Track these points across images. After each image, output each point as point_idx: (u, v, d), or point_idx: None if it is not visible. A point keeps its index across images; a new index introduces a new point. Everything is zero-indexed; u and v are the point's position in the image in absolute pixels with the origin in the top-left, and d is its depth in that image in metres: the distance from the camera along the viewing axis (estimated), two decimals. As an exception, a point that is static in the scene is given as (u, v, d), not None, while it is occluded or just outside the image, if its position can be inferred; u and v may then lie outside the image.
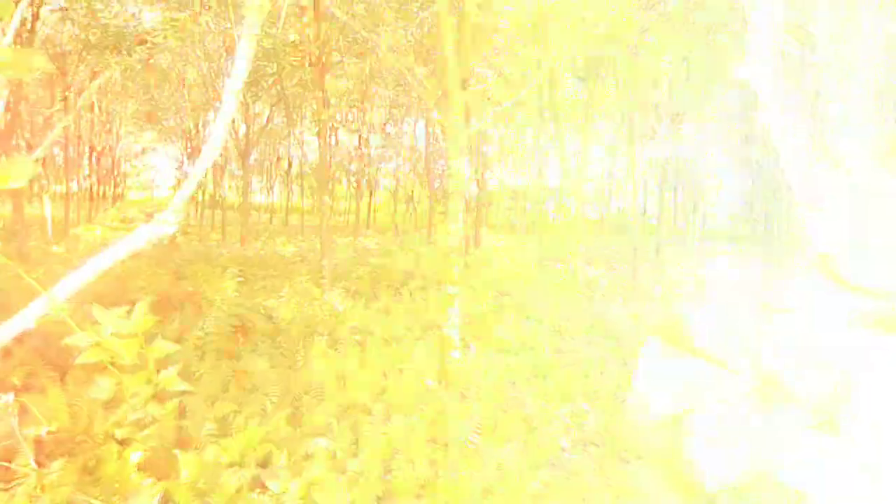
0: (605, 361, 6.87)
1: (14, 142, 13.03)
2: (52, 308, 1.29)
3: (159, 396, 1.32)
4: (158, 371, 1.42)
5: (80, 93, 15.89)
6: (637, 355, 7.22)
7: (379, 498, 3.79)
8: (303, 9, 10.74)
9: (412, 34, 12.58)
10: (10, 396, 2.76)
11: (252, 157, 17.21)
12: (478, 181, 19.08)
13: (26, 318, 1.30)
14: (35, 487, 2.52)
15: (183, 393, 4.40)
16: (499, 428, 4.95)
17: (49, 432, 3.19)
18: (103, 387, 1.35)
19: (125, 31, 8.21)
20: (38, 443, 3.30)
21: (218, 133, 1.20)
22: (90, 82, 16.49)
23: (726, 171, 29.36)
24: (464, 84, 6.06)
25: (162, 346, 1.43)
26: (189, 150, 23.78)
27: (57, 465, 3.12)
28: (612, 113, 19.74)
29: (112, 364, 1.49)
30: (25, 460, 2.94)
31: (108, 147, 24.33)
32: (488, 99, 16.14)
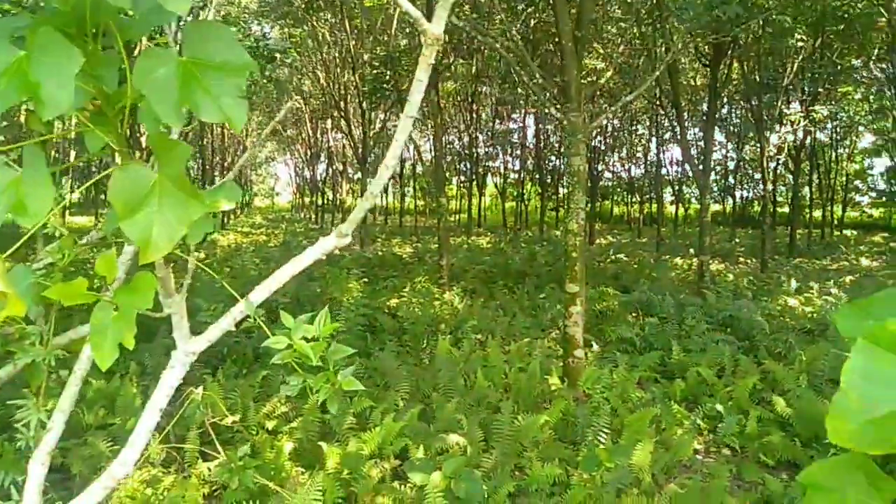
0: (736, 361, 6.54)
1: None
2: (250, 312, 1.44)
3: (339, 394, 1.47)
4: (336, 372, 1.56)
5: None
6: (769, 354, 6.81)
7: (511, 493, 3.85)
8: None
9: (520, 31, 12.58)
10: (200, 389, 3.11)
11: (368, 161, 17.91)
12: (591, 175, 18.72)
13: (228, 321, 1.46)
14: (226, 470, 2.82)
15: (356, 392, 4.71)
16: (627, 429, 4.86)
17: (234, 422, 3.54)
18: (292, 385, 1.51)
19: (256, 50, 8.86)
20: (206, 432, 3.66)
21: (393, 155, 1.30)
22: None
23: (872, 153, 26.81)
24: (579, 79, 5.99)
25: (341, 350, 1.57)
26: (308, 158, 25.18)
27: (243, 450, 3.45)
28: (737, 98, 18.65)
29: (298, 364, 1.64)
30: (211, 446, 3.28)
31: (236, 158, 26.25)
32: (606, 92, 15.80)
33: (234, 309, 1.63)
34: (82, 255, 2.26)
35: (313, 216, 28.56)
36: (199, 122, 14.98)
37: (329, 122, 18.69)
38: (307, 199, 29.99)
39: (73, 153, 16.37)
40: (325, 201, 24.96)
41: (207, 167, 20.86)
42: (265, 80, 13.12)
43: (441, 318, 7.79)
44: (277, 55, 12.00)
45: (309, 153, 23.91)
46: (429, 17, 1.30)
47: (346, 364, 1.98)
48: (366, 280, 9.61)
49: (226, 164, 21.63)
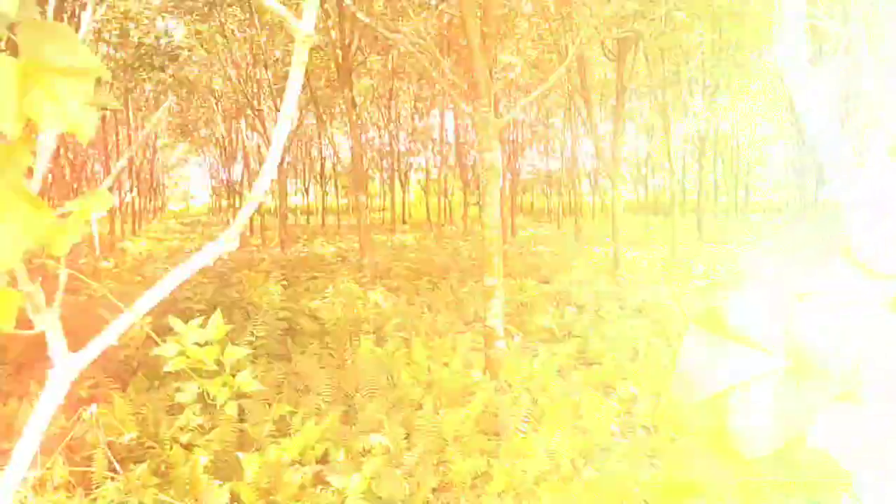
0: (650, 345, 6.83)
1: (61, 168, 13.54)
2: (135, 323, 1.37)
3: (236, 397, 1.43)
4: (233, 375, 1.53)
5: (115, 113, 16.37)
6: (680, 337, 7.16)
7: (435, 489, 3.87)
8: (326, 12, 10.87)
9: (433, 27, 12.61)
10: (94, 408, 2.93)
11: (286, 161, 17.51)
12: (510, 169, 19.03)
13: (111, 334, 1.39)
14: (121, 491, 2.67)
15: (255, 393, 4.58)
16: (547, 416, 4.98)
17: (131, 439, 3.36)
18: (188, 391, 1.46)
19: (157, 48, 8.45)
20: (112, 450, 3.47)
21: (273, 157, 1.27)
22: (122, 99, 16.98)
23: (770, 140, 28.58)
24: (491, 74, 6.07)
25: (236, 352, 1.54)
26: (223, 159, 24.35)
27: (140, 469, 3.28)
28: (644, 91, 19.44)
29: (192, 370, 1.60)
30: (109, 466, 3.11)
31: (146, 161, 25.04)
32: (517, 87, 16.07)
33: (117, 321, 1.55)
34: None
35: (231, 219, 27.66)
36: (101, 125, 14.13)
37: (243, 121, 18.13)
38: (224, 202, 29.02)
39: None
40: (242, 203, 24.22)
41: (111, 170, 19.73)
42: (170, 79, 12.58)
43: (364, 317, 7.72)
44: (183, 52, 11.52)
45: (223, 154, 23.13)
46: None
47: (244, 366, 1.93)
48: (286, 283, 9.40)
49: (134, 168, 20.58)
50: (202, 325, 1.64)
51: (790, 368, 0.57)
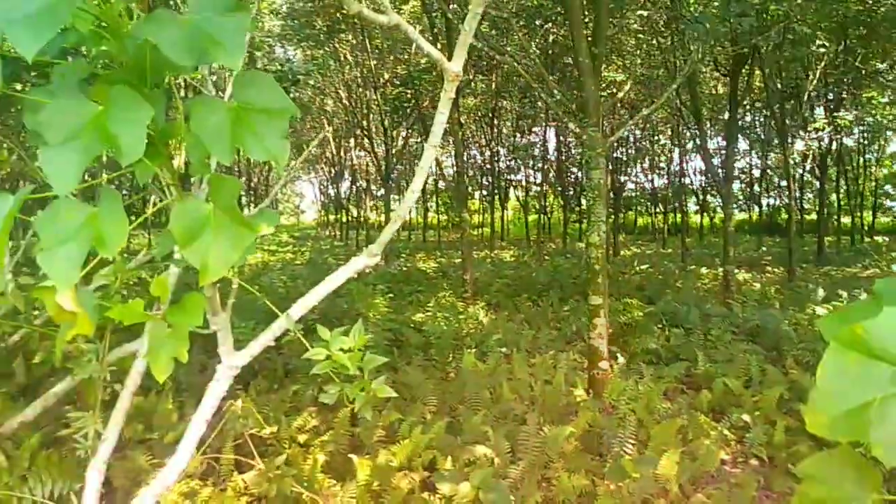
0: (764, 372, 6.50)
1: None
2: (290, 327, 1.56)
3: (373, 401, 1.56)
4: (371, 380, 1.67)
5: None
6: (797, 364, 6.76)
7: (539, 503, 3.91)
8: (435, 35, 11.25)
9: (539, 46, 12.70)
10: (240, 402, 3.24)
11: (391, 178, 18.12)
12: (614, 186, 18.68)
13: (268, 336, 1.59)
14: (263, 479, 2.94)
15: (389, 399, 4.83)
16: (654, 439, 4.88)
17: (271, 433, 3.66)
18: (331, 393, 1.62)
19: (281, 73, 9.12)
20: (243, 443, 3.79)
21: (419, 181, 1.41)
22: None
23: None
24: (598, 92, 6.07)
25: (374, 360, 1.68)
26: (332, 176, 25.58)
27: (279, 460, 3.57)
28: (759, 106, 18.52)
29: (335, 374, 1.76)
30: (252, 457, 3.41)
31: (262, 177, 26.73)
32: (623, 103, 15.83)
33: (273, 325, 1.76)
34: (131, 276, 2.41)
35: (338, 233, 28.89)
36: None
37: (352, 140, 18.98)
38: (332, 217, 30.37)
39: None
40: (350, 218, 25.31)
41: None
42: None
43: (466, 331, 7.87)
44: (301, 77, 12.28)
45: (333, 171, 24.27)
46: (450, 54, 1.42)
47: (379, 374, 2.09)
48: (391, 295, 9.74)
49: (251, 184, 22.02)
50: (346, 333, 1.80)
51: None
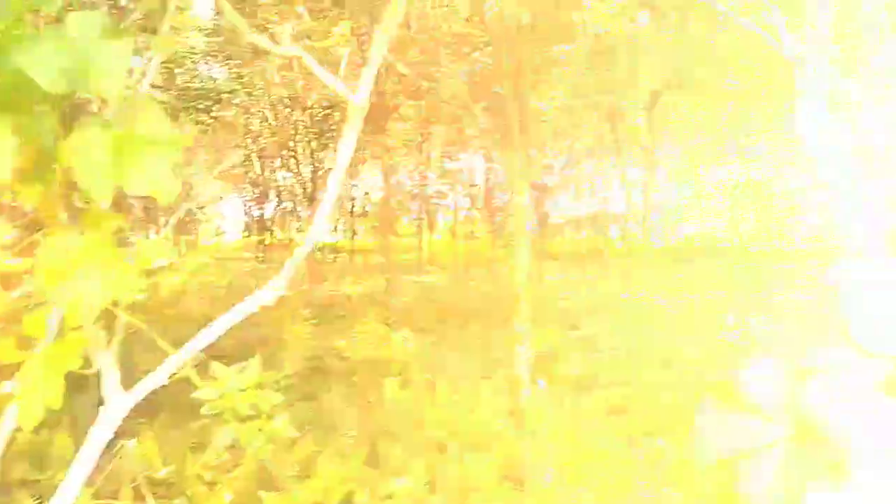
0: (679, 397, 6.72)
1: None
2: (182, 366, 1.47)
3: (273, 442, 1.48)
4: (269, 419, 1.60)
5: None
6: (713, 391, 7.05)
7: (458, 538, 3.85)
8: (363, 58, 11.25)
9: (467, 74, 12.93)
10: (132, 442, 3.03)
11: (317, 200, 17.84)
12: (539, 214, 19.10)
13: (160, 376, 1.49)
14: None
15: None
16: (573, 467, 4.93)
17: (166, 475, 3.45)
18: (224, 435, 1.52)
19: (203, 92, 8.85)
20: (139, 486, 3.55)
21: (323, 215, 1.37)
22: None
23: (805, 190, 28.16)
24: (523, 120, 6.21)
25: (271, 397, 1.61)
26: (256, 197, 24.99)
27: (177, 502, 3.36)
28: (676, 138, 19.49)
29: (227, 415, 1.67)
30: (147, 499, 3.19)
31: (182, 196, 25.74)
32: (554, 132, 16.29)
33: (165, 363, 1.65)
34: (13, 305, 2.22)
35: (261, 255, 28.14)
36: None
37: (278, 160, 18.62)
38: (255, 238, 29.61)
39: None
40: (274, 240, 24.71)
41: (150, 206, 20.34)
42: (212, 120, 13.05)
43: (390, 358, 7.76)
44: (225, 95, 11.98)
45: (257, 192, 23.72)
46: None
47: (281, 411, 2.00)
48: (314, 321, 9.51)
49: (169, 204, 21.16)
50: (240, 371, 1.72)
51: (794, 437, 0.63)
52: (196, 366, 1.78)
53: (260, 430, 1.72)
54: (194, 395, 1.63)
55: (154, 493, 4.12)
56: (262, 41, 1.28)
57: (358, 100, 1.20)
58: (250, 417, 1.70)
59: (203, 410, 1.65)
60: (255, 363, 1.71)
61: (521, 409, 5.88)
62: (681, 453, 5.33)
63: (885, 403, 0.53)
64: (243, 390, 1.68)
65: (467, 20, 9.11)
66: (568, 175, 25.13)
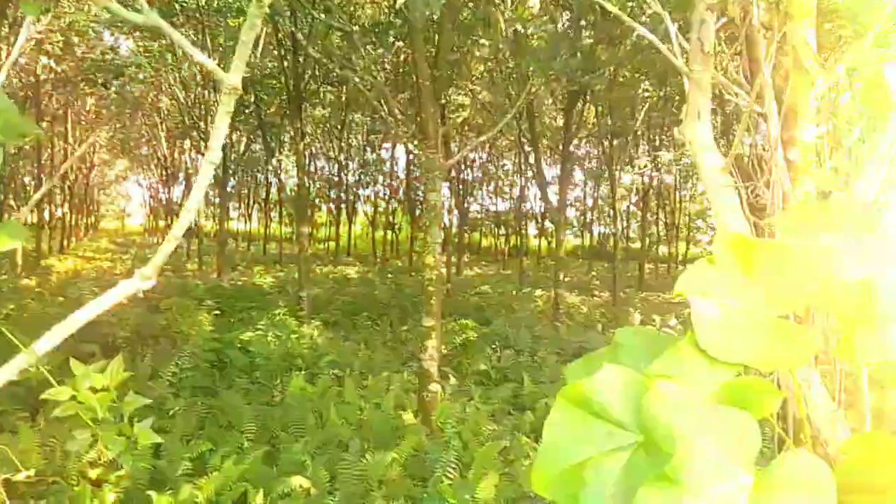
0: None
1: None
2: (34, 363, 1.28)
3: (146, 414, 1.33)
4: (131, 423, 1.44)
5: (52, 122, 15.77)
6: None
7: (356, 537, 3.75)
8: (279, 40, 10.85)
9: (387, 65, 12.74)
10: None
11: (229, 185, 17.16)
12: (459, 207, 19.17)
13: (8, 372, 1.29)
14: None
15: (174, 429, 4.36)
16: (475, 463, 4.92)
17: (28, 476, 3.11)
18: (79, 439, 1.37)
19: (102, 64, 8.22)
20: (8, 486, 3.21)
21: (195, 199, 1.23)
22: (62, 112, 16.40)
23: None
24: (441, 115, 6.15)
25: (134, 400, 1.46)
26: (164, 179, 23.79)
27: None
28: (592, 140, 20.06)
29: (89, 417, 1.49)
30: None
31: (81, 176, 24.13)
32: (469, 127, 16.35)
33: (16, 358, 1.44)
34: None
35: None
36: (36, 138, 13.56)
37: (188, 142, 17.74)
38: (161, 223, 28.15)
39: None
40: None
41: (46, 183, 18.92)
42: (114, 95, 12.22)
43: (298, 352, 7.53)
44: (129, 70, 11.23)
45: (165, 174, 22.55)
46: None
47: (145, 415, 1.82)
48: (218, 311, 9.11)
49: (68, 184, 19.78)
50: (102, 369, 1.53)
51: (641, 443, 0.58)
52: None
53: (121, 433, 1.54)
54: (44, 395, 1.43)
55: (29, 493, 3.77)
56: (121, 10, 1.12)
57: (232, 79, 1.06)
58: (110, 421, 1.52)
59: (56, 412, 1.46)
60: (117, 362, 1.52)
61: (429, 404, 5.82)
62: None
63: (715, 413, 0.49)
64: (99, 391, 1.49)
65: (389, 8, 8.96)
66: (489, 170, 25.41)
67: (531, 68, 7.23)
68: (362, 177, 23.44)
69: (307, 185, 15.05)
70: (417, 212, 21.19)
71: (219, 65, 1.27)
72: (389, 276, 17.16)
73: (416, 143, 6.06)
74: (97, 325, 7.46)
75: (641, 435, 0.56)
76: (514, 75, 10.33)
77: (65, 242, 21.68)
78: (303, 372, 6.69)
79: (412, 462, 4.89)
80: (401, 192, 24.48)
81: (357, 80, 6.03)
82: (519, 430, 5.88)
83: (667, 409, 0.52)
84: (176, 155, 21.12)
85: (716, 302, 0.56)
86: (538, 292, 16.18)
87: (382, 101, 6.69)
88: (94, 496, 3.80)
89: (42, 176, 15.20)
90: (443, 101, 9.49)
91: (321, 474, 4.29)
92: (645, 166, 17.25)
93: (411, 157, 21.13)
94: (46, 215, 18.03)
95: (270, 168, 19.59)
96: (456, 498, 4.13)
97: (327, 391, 6.19)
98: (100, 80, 10.36)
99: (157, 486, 4.12)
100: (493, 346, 8.83)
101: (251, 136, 15.90)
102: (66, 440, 1.54)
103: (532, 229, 29.98)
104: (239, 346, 7.36)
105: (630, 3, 6.82)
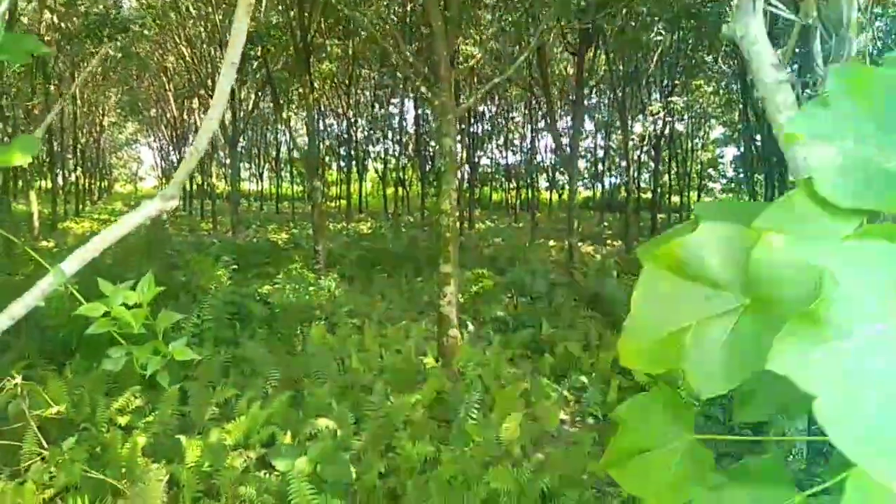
0: (601, 336, 6.91)
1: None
2: (60, 283, 1.27)
3: (169, 367, 1.33)
4: (167, 343, 1.44)
5: (59, 84, 15.66)
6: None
7: (382, 473, 3.82)
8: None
9: (396, 12, 12.45)
10: (19, 379, 2.76)
11: (240, 145, 17.04)
12: (470, 161, 19.00)
13: (35, 295, 1.28)
14: (48, 466, 2.52)
15: (192, 364, 4.41)
16: (498, 404, 4.98)
17: (58, 412, 3.20)
18: (114, 358, 1.36)
19: (106, 19, 8.08)
20: (42, 427, 3.29)
21: (217, 104, 1.19)
22: (69, 73, 16.25)
23: (723, 143, 29.22)
24: (452, 62, 6.01)
25: (169, 316, 1.44)
26: (174, 140, 23.67)
27: (68, 443, 3.12)
28: (603, 88, 19.66)
29: (121, 336, 1.48)
30: (36, 441, 2.95)
31: (92, 139, 24.09)
32: (477, 75, 16.05)
33: (41, 281, 1.43)
34: None
35: (182, 201, 26.89)
36: (45, 100, 13.43)
37: (196, 101, 17.56)
38: (175, 185, 28.09)
39: None
40: (194, 186, 23.61)
41: (58, 148, 18.94)
42: (119, 53, 12.05)
43: (316, 304, 7.58)
44: (134, 25, 11.03)
45: (174, 135, 22.42)
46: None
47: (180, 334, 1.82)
48: (236, 267, 9.16)
49: (79, 147, 19.74)
50: (132, 287, 1.51)
51: (748, 305, 0.54)
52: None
53: (156, 351, 1.53)
54: (77, 311, 1.42)
55: (61, 440, 3.86)
56: None
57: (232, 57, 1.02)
58: (146, 339, 1.50)
59: (89, 330, 1.45)
60: (147, 279, 1.50)
61: (449, 350, 5.87)
62: (604, 389, 5.50)
63: (861, 248, 0.44)
64: (133, 307, 1.48)
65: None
66: (499, 124, 25.06)
67: (543, 9, 7.03)
68: (371, 133, 23.20)
69: (316, 141, 14.91)
70: (427, 167, 21.02)
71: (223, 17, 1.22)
72: (402, 230, 17.15)
73: (429, 86, 5.94)
74: (114, 281, 7.53)
75: (748, 297, 0.53)
76: (526, 17, 10.05)
77: (80, 206, 21.80)
78: (322, 322, 6.74)
79: (435, 404, 4.96)
80: (410, 147, 24.25)
81: (368, 24, 5.88)
82: (539, 372, 5.94)
83: (788, 261, 0.48)
84: (185, 116, 20.95)
85: (836, 145, 0.51)
86: (551, 243, 16.15)
87: (394, 48, 6.55)
88: (124, 441, 3.89)
89: (52, 139, 15.14)
90: (453, 50, 9.27)
91: (346, 416, 4.36)
92: (658, 112, 16.89)
93: (419, 111, 20.85)
94: (60, 180, 18.08)
95: (281, 126, 19.41)
96: (480, 437, 4.19)
97: (348, 339, 6.25)
98: (104, 36, 10.18)
99: (185, 431, 4.21)
100: (510, 294, 8.86)
101: (259, 94, 15.70)
102: (102, 363, 1.53)
103: (543, 182, 29.74)
104: (257, 298, 7.42)
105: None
